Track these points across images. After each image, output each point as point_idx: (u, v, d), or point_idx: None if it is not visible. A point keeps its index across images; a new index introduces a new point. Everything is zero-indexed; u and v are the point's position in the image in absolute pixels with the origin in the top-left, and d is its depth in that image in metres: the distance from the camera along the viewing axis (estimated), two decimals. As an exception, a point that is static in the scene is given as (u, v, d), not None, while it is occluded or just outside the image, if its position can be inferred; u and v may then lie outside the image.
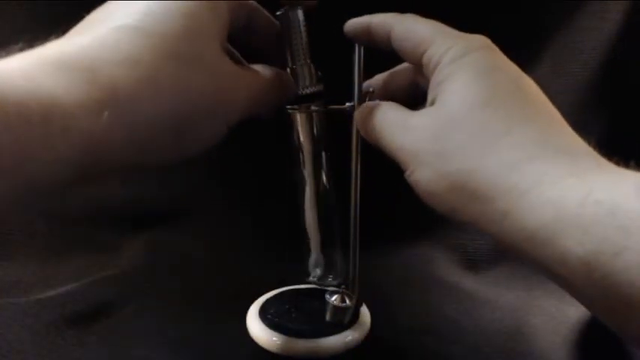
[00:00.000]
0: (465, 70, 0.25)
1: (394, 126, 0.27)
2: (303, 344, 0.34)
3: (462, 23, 0.48)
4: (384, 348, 0.38)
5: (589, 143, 0.23)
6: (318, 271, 0.38)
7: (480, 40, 0.27)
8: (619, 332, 0.20)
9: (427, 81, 0.27)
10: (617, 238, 0.18)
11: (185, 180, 0.53)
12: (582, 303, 0.20)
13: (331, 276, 0.38)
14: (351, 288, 0.37)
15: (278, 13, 0.32)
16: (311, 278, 0.38)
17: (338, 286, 0.38)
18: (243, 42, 0.30)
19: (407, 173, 0.25)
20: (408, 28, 0.28)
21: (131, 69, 0.21)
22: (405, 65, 0.32)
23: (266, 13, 0.31)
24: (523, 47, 0.50)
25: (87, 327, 0.39)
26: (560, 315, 0.42)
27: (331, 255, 0.37)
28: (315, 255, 0.37)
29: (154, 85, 0.22)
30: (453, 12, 0.48)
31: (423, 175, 0.24)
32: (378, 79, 0.34)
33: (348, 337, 0.35)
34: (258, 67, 0.29)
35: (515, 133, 0.22)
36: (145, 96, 0.21)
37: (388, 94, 0.33)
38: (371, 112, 0.29)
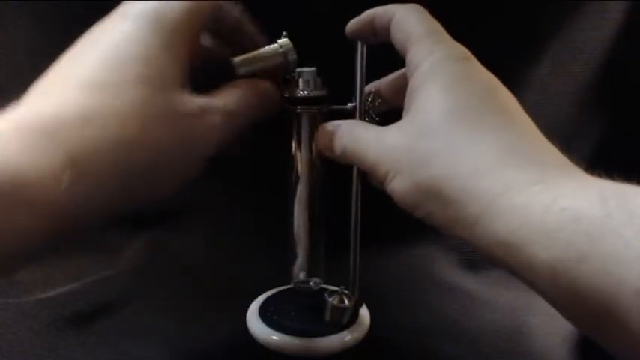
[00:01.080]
0: (439, 79, 0.26)
1: (367, 140, 0.28)
2: (302, 343, 0.34)
3: (463, 23, 0.48)
4: (383, 348, 0.38)
5: (580, 146, 0.23)
6: (302, 274, 0.38)
7: (458, 50, 0.28)
8: (596, 340, 0.20)
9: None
10: (581, 244, 0.18)
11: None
12: (554, 308, 0.21)
13: (315, 279, 0.38)
14: (350, 288, 0.37)
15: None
16: (295, 280, 0.38)
17: (320, 287, 0.38)
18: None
19: (384, 183, 0.26)
20: (404, 20, 0.29)
21: (94, 130, 0.21)
22: (405, 70, 0.32)
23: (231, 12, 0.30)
24: (523, 47, 0.50)
25: (87, 327, 0.39)
26: (560, 315, 0.42)
27: (316, 258, 0.38)
28: (301, 257, 0.37)
29: (116, 143, 0.21)
30: (454, 12, 0.48)
31: (399, 183, 0.25)
32: (380, 82, 0.34)
33: (346, 337, 0.35)
34: (233, 89, 0.28)
35: (486, 141, 0.23)
36: (109, 156, 0.21)
37: (389, 97, 0.33)
38: (336, 133, 0.30)
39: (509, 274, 0.22)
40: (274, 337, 0.35)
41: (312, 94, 0.33)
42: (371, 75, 0.34)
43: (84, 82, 0.22)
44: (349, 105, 0.34)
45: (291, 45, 0.32)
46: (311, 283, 0.38)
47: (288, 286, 0.40)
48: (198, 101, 0.25)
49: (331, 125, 0.31)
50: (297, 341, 0.34)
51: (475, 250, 0.23)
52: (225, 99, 0.27)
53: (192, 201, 0.53)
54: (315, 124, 0.35)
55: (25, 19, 0.48)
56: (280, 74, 0.33)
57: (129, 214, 0.24)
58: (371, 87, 0.34)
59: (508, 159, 0.22)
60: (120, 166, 0.22)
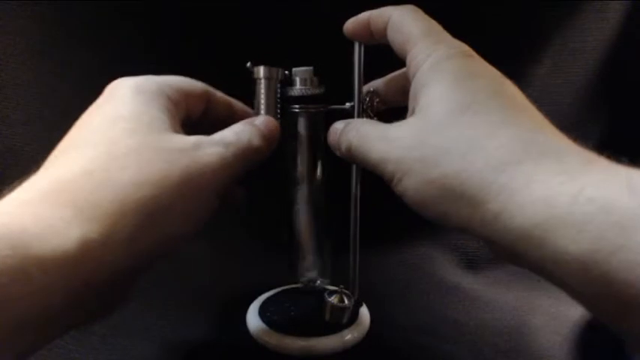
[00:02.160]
0: (444, 76, 0.25)
1: (373, 139, 0.27)
2: (302, 343, 0.34)
3: (463, 23, 0.49)
4: (383, 347, 0.38)
5: (584, 145, 0.23)
6: (307, 273, 0.38)
7: (460, 47, 0.27)
8: (617, 331, 0.19)
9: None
10: (612, 235, 0.17)
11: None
12: (579, 302, 0.20)
13: (320, 278, 0.38)
14: (350, 288, 0.37)
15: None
16: (300, 279, 0.38)
17: (325, 287, 0.38)
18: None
19: (393, 183, 0.25)
20: (401, 21, 0.28)
21: (100, 179, 0.22)
22: (404, 70, 0.32)
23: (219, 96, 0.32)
24: (523, 47, 0.50)
25: (87, 327, 0.39)
26: (560, 315, 0.42)
27: (320, 256, 0.38)
28: (305, 256, 0.37)
29: (122, 186, 0.22)
30: (454, 12, 0.48)
31: (409, 183, 0.24)
32: (378, 82, 0.34)
33: (346, 337, 0.35)
34: (233, 126, 0.28)
35: (499, 135, 0.22)
36: (119, 197, 0.22)
37: (387, 97, 0.33)
38: (343, 129, 0.29)
39: (529, 269, 0.21)
40: (274, 337, 0.35)
41: (309, 93, 0.33)
42: (369, 74, 0.34)
43: (85, 152, 0.24)
44: (347, 105, 0.34)
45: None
46: (318, 282, 0.38)
47: (288, 287, 0.40)
48: (192, 138, 0.25)
49: (340, 123, 0.30)
50: (297, 341, 0.34)
51: (493, 247, 0.22)
52: (222, 134, 0.27)
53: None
54: (313, 123, 0.35)
55: (25, 19, 0.48)
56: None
57: (155, 259, 0.24)
58: (369, 87, 0.34)
59: (525, 152, 0.21)
60: (130, 205, 0.22)
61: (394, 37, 0.28)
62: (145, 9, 0.48)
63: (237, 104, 0.33)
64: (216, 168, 0.25)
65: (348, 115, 0.34)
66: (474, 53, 0.27)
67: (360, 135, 0.28)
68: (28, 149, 0.51)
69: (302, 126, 0.35)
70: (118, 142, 0.24)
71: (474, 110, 0.23)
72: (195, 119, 0.30)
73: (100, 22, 0.48)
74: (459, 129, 0.23)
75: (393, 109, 0.34)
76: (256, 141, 0.28)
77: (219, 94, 0.32)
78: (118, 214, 0.21)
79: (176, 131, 0.26)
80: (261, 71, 0.33)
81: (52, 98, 0.50)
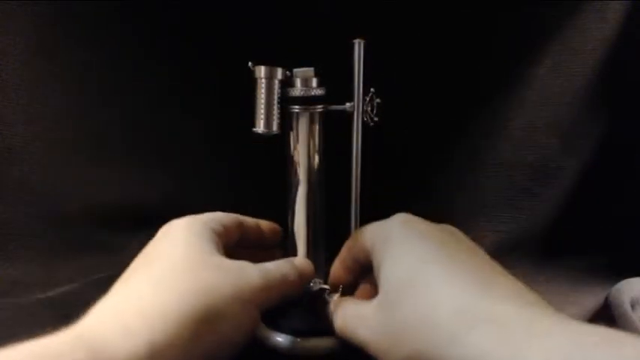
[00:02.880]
0: (388, 255, 0.28)
1: (354, 319, 0.30)
2: (302, 343, 0.34)
3: (463, 23, 0.49)
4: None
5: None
6: None
7: (399, 217, 0.31)
8: None
9: None
10: None
11: (185, 180, 0.53)
12: None
13: (315, 279, 0.38)
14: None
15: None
16: None
17: (322, 287, 0.38)
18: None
19: None
20: (353, 242, 0.33)
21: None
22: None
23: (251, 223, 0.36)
24: (523, 47, 0.50)
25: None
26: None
27: (317, 256, 0.38)
28: (301, 256, 0.37)
29: (179, 292, 0.25)
30: (454, 13, 0.48)
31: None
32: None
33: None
34: (275, 263, 0.32)
35: (444, 309, 0.23)
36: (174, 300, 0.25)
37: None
38: (335, 309, 0.32)
39: None
40: (274, 337, 0.35)
41: (309, 94, 0.33)
42: (369, 75, 0.34)
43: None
44: (347, 105, 0.34)
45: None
46: (311, 284, 0.38)
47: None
48: (238, 261, 0.29)
49: (333, 304, 0.33)
50: (297, 341, 0.34)
51: None
52: (264, 264, 0.30)
53: (192, 201, 0.53)
54: (313, 123, 0.35)
55: (25, 19, 0.48)
56: None
57: None
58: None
59: (470, 321, 0.22)
60: (190, 312, 0.24)
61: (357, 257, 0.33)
62: (144, 9, 0.48)
63: (265, 224, 0.37)
64: (259, 287, 0.28)
65: (348, 115, 0.34)
66: (410, 217, 0.30)
67: (345, 314, 0.31)
68: (28, 149, 0.51)
69: (302, 126, 0.35)
70: (178, 262, 0.27)
71: (418, 284, 0.25)
72: (232, 246, 0.34)
73: (100, 22, 0.48)
74: (410, 307, 0.25)
75: (395, 107, 0.34)
76: (292, 276, 0.31)
77: (249, 220, 0.36)
78: (180, 320, 0.24)
79: (222, 256, 0.30)
80: (262, 71, 0.33)
81: (52, 98, 0.50)
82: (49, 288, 0.45)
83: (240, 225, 0.35)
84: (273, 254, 0.37)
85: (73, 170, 0.52)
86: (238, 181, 0.53)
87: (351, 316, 0.30)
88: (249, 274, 0.28)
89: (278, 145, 0.36)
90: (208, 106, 0.51)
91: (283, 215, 0.38)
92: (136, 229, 0.53)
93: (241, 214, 0.36)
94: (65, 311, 0.42)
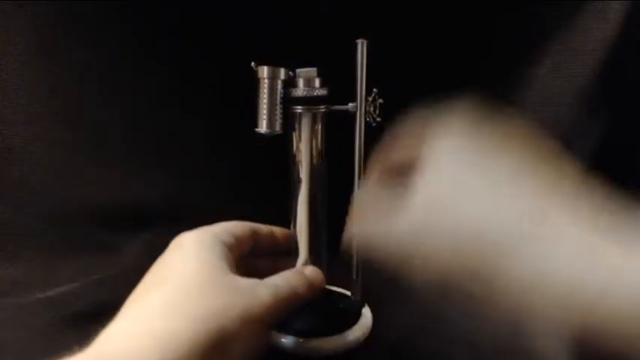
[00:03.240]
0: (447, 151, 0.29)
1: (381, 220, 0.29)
2: (305, 343, 0.34)
3: (463, 24, 0.49)
4: (385, 347, 0.38)
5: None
6: None
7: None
8: None
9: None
10: None
11: (186, 180, 0.53)
12: None
13: None
14: (353, 288, 0.37)
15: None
16: None
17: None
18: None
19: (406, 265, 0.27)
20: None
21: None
22: None
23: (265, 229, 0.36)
24: (523, 47, 0.50)
25: (87, 327, 0.39)
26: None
27: (319, 256, 0.38)
28: (303, 256, 0.37)
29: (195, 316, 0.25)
30: (455, 13, 0.48)
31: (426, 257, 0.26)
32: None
33: (349, 337, 0.35)
34: (285, 276, 0.32)
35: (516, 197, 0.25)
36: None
37: None
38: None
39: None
40: (277, 338, 0.35)
41: (312, 94, 0.33)
42: (372, 75, 0.34)
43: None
44: (350, 105, 0.34)
45: None
46: None
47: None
48: (249, 280, 0.29)
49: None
50: (299, 341, 0.34)
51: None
52: (274, 279, 0.31)
53: (192, 201, 0.53)
54: (316, 124, 0.35)
55: (25, 19, 0.48)
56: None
57: None
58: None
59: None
60: (201, 334, 0.24)
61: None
62: (144, 9, 0.48)
63: (279, 231, 0.37)
64: (270, 305, 0.28)
65: (350, 115, 0.34)
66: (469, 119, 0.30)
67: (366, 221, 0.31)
68: (28, 149, 0.51)
69: (304, 126, 0.35)
70: (189, 283, 0.27)
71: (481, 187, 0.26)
72: (246, 254, 0.34)
73: (100, 22, 0.48)
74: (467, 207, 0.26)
75: (395, 107, 0.34)
76: (301, 288, 0.31)
77: (263, 227, 0.36)
78: (192, 345, 0.24)
79: (234, 273, 0.30)
80: (264, 71, 0.33)
81: (52, 98, 0.50)
82: (49, 288, 0.45)
83: (254, 233, 0.35)
84: (287, 261, 0.37)
85: (73, 170, 0.52)
86: (238, 181, 0.53)
87: (380, 221, 0.30)
88: (261, 293, 0.28)
89: (278, 145, 0.36)
90: (208, 106, 0.51)
91: (284, 215, 0.38)
92: (136, 229, 0.53)
93: (241, 213, 0.36)
94: (65, 311, 0.42)
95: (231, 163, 0.53)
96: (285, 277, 0.31)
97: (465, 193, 0.25)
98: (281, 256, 0.37)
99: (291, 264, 0.37)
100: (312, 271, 0.34)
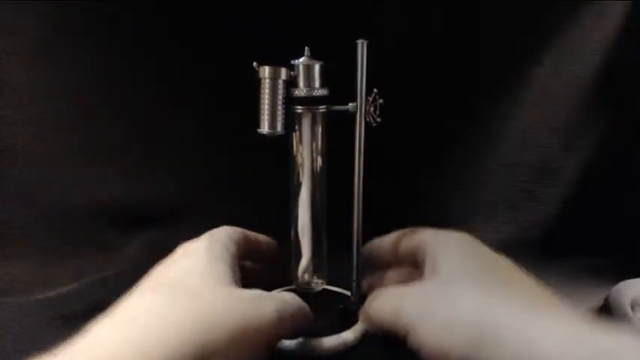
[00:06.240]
0: (456, 248, 0.30)
1: (392, 298, 0.30)
2: (303, 343, 0.34)
3: (463, 24, 0.49)
4: (384, 347, 0.38)
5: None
6: (307, 275, 0.38)
7: (466, 233, 0.32)
8: None
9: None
10: None
11: (186, 180, 0.53)
12: None
13: (318, 280, 0.38)
14: (353, 288, 0.37)
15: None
16: (299, 281, 0.38)
17: (322, 290, 0.38)
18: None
19: (410, 336, 0.27)
20: (410, 232, 0.35)
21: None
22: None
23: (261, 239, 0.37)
24: (523, 47, 0.50)
25: (87, 327, 0.39)
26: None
27: (318, 257, 0.38)
28: (303, 256, 0.37)
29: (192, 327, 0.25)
30: (454, 13, 0.48)
31: (430, 331, 0.26)
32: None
33: (348, 337, 0.35)
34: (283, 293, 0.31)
35: (509, 295, 0.26)
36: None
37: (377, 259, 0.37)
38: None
39: None
40: None
41: (313, 94, 0.33)
42: (374, 75, 0.34)
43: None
44: (350, 105, 0.34)
45: None
46: (313, 284, 0.38)
47: (290, 287, 0.40)
48: (255, 291, 0.29)
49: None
50: (298, 341, 0.34)
51: None
52: (282, 293, 0.30)
53: (193, 201, 0.53)
54: (316, 123, 0.35)
55: (25, 19, 0.48)
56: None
57: None
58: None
59: (532, 310, 0.24)
60: (189, 346, 0.24)
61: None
62: (145, 9, 0.48)
63: (263, 238, 0.37)
64: (273, 320, 0.27)
65: (350, 116, 0.34)
66: (476, 239, 0.32)
67: (381, 299, 0.31)
68: (28, 149, 0.51)
69: (305, 126, 0.35)
70: (189, 289, 0.27)
71: (483, 275, 0.28)
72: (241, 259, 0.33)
73: (100, 22, 0.48)
74: (472, 288, 0.27)
75: (395, 107, 0.34)
76: (306, 310, 0.31)
77: (251, 234, 0.36)
78: (176, 353, 0.23)
79: (237, 284, 0.29)
80: (266, 71, 0.32)
81: (52, 98, 0.50)
82: (49, 288, 0.45)
83: (246, 240, 0.35)
84: (268, 268, 0.38)
85: (73, 170, 0.52)
86: (238, 181, 0.53)
87: (389, 293, 0.31)
88: (265, 305, 0.28)
89: (279, 144, 0.36)
90: (208, 105, 0.51)
91: (284, 215, 0.38)
92: (135, 229, 0.53)
93: (241, 213, 0.36)
94: (65, 311, 0.42)
95: (231, 163, 0.53)
96: (292, 294, 0.31)
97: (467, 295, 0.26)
98: (263, 262, 0.38)
99: (273, 271, 0.38)
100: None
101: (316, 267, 0.38)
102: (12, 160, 0.51)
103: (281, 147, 0.36)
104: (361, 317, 0.34)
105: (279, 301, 0.28)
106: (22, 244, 0.51)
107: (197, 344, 0.24)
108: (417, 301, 0.28)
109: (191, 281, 0.28)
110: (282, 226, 0.38)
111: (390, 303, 0.30)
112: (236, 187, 0.53)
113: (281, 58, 0.34)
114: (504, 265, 0.30)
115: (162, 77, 0.50)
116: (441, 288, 0.28)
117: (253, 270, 0.37)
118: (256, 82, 0.33)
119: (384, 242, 0.36)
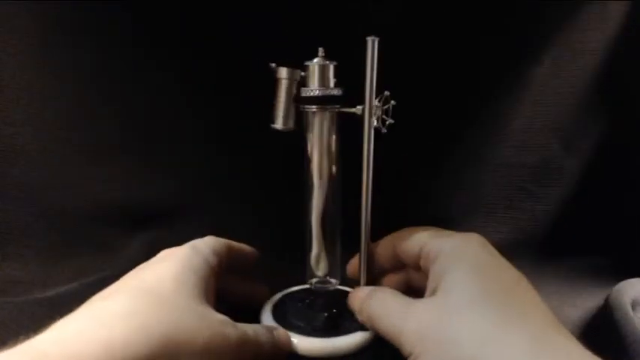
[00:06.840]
0: (464, 263, 0.28)
1: (396, 311, 0.30)
2: (316, 343, 0.34)
3: (464, 24, 0.49)
4: (384, 348, 0.38)
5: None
6: (320, 274, 0.38)
7: (474, 235, 0.31)
8: None
9: (423, 274, 0.32)
10: None
11: (186, 180, 0.53)
12: None
13: (332, 280, 0.38)
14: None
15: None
16: (312, 280, 0.38)
17: (334, 290, 0.38)
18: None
19: (411, 358, 0.27)
20: (408, 234, 0.34)
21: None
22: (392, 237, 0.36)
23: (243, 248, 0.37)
24: (523, 47, 0.50)
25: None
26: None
27: (333, 256, 0.38)
28: (317, 256, 0.37)
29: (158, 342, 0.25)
30: (454, 13, 0.48)
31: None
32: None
33: (360, 337, 0.35)
34: (254, 328, 0.31)
35: (512, 332, 0.24)
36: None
37: (379, 261, 0.36)
38: (369, 296, 0.32)
39: None
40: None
41: (325, 94, 0.33)
42: (382, 76, 0.33)
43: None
44: (358, 107, 0.33)
45: None
46: (327, 284, 0.38)
47: (303, 287, 0.40)
48: (220, 316, 0.29)
49: (364, 290, 0.33)
50: (312, 342, 0.34)
51: None
52: (246, 326, 0.30)
53: (193, 201, 0.53)
54: (328, 123, 0.35)
55: (25, 19, 0.48)
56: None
57: None
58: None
59: (535, 352, 0.23)
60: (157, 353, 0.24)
61: (403, 247, 0.34)
62: (145, 9, 0.48)
63: (247, 249, 0.38)
64: (234, 346, 0.28)
65: (359, 117, 0.34)
66: (486, 241, 0.31)
67: (385, 305, 0.31)
68: (28, 149, 0.51)
69: (316, 126, 0.35)
70: (158, 293, 0.27)
71: (493, 301, 0.26)
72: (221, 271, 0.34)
73: (100, 22, 0.48)
74: (476, 318, 0.25)
75: (397, 110, 0.34)
76: (267, 346, 0.31)
77: (236, 245, 0.37)
78: (144, 356, 0.23)
79: (210, 298, 0.30)
80: (284, 72, 0.33)
81: (52, 98, 0.50)
82: (49, 288, 0.45)
83: (230, 250, 0.35)
84: (252, 281, 0.39)
85: (73, 170, 0.52)
86: (238, 182, 0.53)
87: (393, 307, 0.30)
88: (228, 332, 0.28)
89: (279, 144, 0.36)
90: (209, 105, 0.51)
91: (284, 215, 0.38)
92: (136, 229, 0.53)
93: (241, 213, 0.36)
94: (65, 311, 0.42)
95: (231, 163, 0.53)
96: (256, 328, 0.31)
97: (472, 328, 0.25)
98: (244, 274, 0.38)
99: (256, 282, 0.39)
100: (281, 334, 0.33)
101: (330, 267, 0.38)
102: (12, 160, 0.51)
103: (281, 147, 0.36)
104: (356, 311, 0.34)
105: (241, 331, 0.29)
106: (22, 244, 0.51)
107: (166, 350, 0.24)
108: (420, 324, 0.27)
109: (162, 286, 0.28)
110: (283, 226, 0.38)
111: (393, 316, 0.29)
112: (236, 187, 0.53)
113: (281, 58, 0.34)
114: (516, 283, 0.28)
115: (162, 77, 0.50)
116: (447, 312, 0.27)
117: (236, 283, 0.37)
118: (256, 81, 0.33)
119: (381, 244, 0.36)
